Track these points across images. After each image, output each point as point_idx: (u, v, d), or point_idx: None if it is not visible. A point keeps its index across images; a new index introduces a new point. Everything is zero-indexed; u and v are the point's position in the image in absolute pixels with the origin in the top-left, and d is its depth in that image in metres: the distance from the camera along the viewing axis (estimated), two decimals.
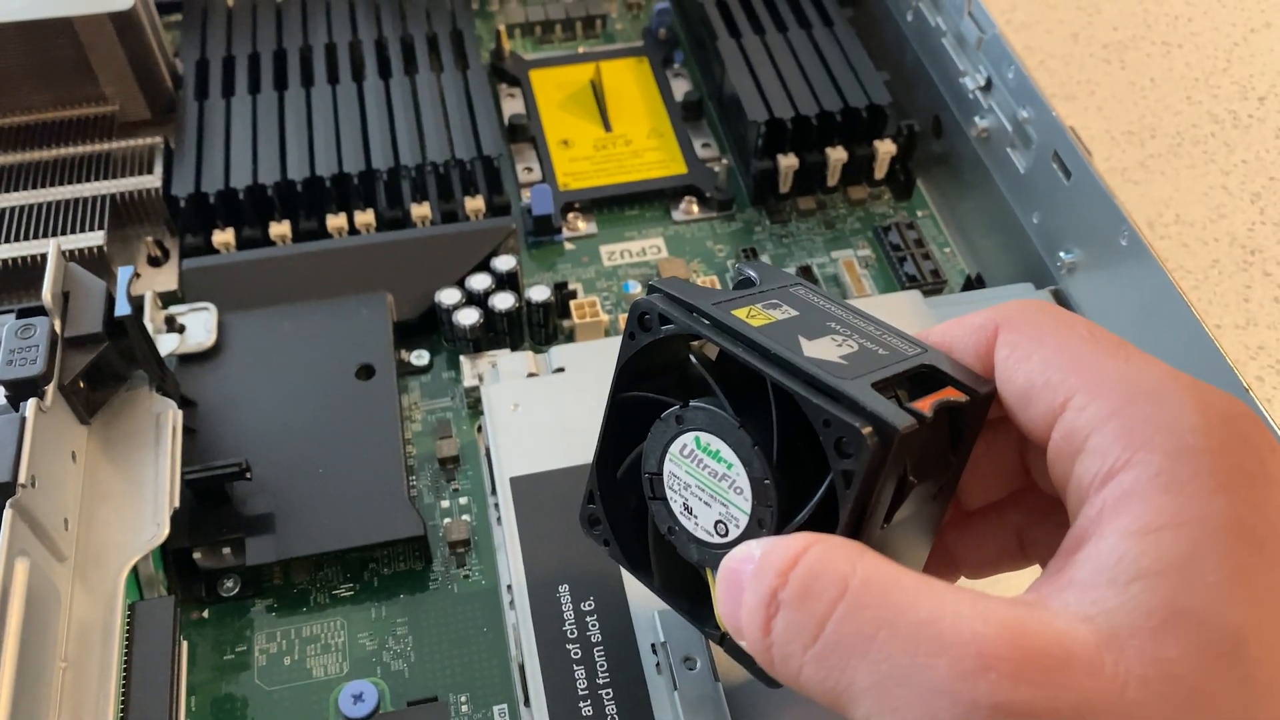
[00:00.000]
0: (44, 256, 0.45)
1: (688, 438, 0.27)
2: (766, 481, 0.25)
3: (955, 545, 0.29)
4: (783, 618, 0.22)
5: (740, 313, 0.26)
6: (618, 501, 0.31)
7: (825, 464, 0.24)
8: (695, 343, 0.28)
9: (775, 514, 0.25)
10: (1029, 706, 0.19)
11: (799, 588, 0.22)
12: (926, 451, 0.25)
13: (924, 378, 0.25)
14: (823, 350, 0.25)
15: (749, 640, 0.23)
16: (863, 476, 0.23)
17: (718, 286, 0.50)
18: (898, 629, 0.20)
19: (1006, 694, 0.19)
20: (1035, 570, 0.29)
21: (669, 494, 0.28)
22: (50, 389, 0.35)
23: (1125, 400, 0.22)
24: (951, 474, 0.26)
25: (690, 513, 0.28)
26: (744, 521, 0.26)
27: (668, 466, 0.28)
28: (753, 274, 0.29)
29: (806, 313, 0.27)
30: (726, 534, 0.27)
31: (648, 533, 0.30)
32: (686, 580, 0.30)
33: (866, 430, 0.23)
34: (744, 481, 0.26)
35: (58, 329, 0.36)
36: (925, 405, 0.24)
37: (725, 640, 0.28)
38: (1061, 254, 0.44)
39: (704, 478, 0.27)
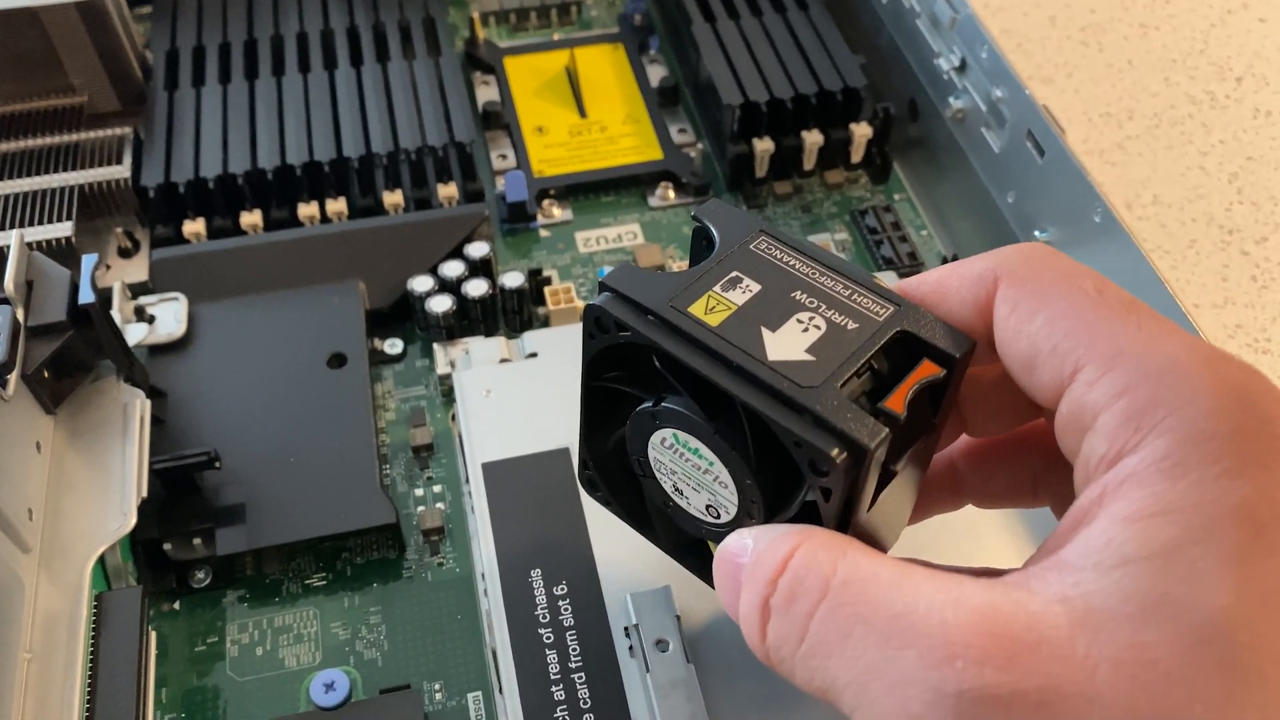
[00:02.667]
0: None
1: (666, 432, 0.26)
2: (749, 481, 0.25)
3: (965, 474, 0.29)
4: (774, 623, 0.22)
5: (698, 306, 0.25)
6: (615, 465, 0.30)
7: None
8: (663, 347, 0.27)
9: (762, 508, 0.25)
10: (995, 691, 0.19)
11: (786, 593, 0.22)
12: (906, 435, 0.24)
13: (900, 343, 0.24)
14: (787, 344, 0.24)
15: (751, 645, 0.23)
16: (840, 492, 0.23)
17: None
18: (873, 625, 0.20)
19: (972, 680, 0.19)
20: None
21: (659, 475, 0.27)
22: (13, 378, 0.34)
23: (1137, 377, 0.21)
24: (936, 430, 0.26)
25: (681, 494, 0.27)
26: (733, 510, 0.26)
27: (651, 453, 0.27)
28: (713, 230, 0.27)
29: (770, 285, 0.26)
30: (719, 517, 0.27)
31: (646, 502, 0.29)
32: (694, 541, 0.29)
33: (836, 452, 0.22)
34: (726, 478, 0.26)
35: (20, 318, 0.36)
36: (899, 399, 0.23)
37: None
38: (1036, 233, 0.44)
39: (688, 469, 0.26)
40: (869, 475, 0.23)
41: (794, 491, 0.25)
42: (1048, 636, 0.19)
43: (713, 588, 0.28)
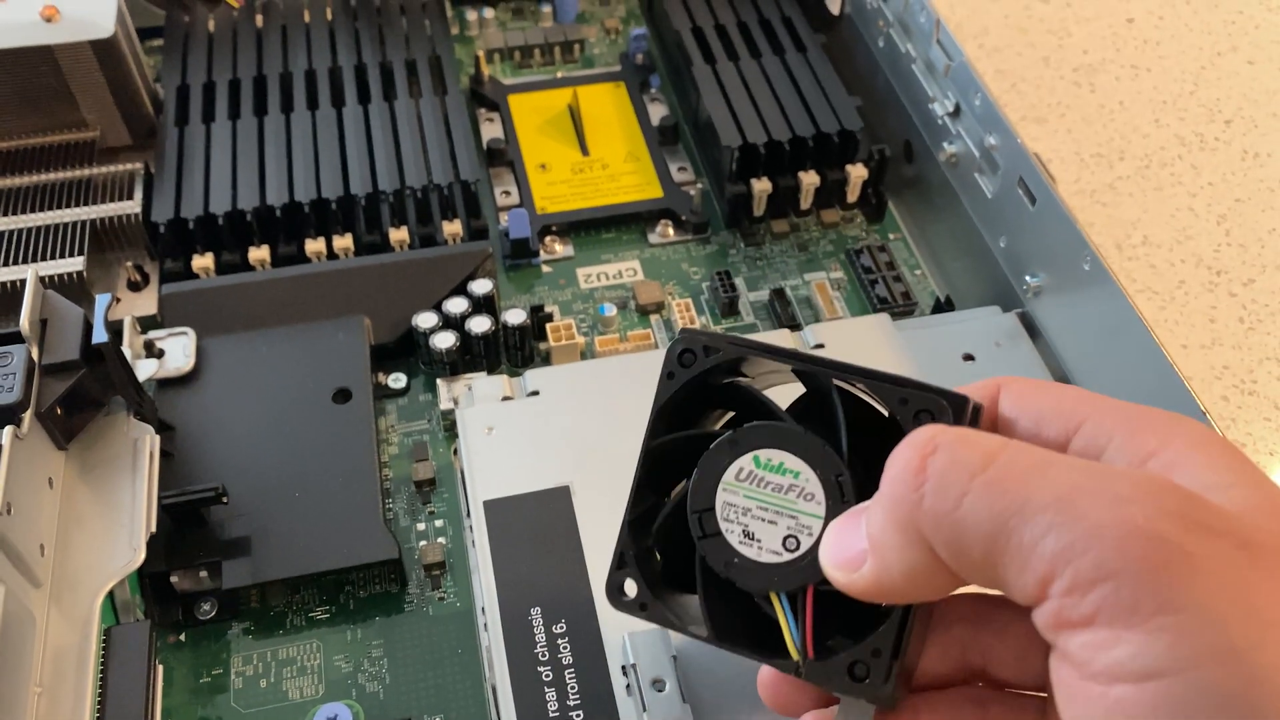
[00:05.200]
0: (23, 282, 0.45)
1: (745, 460, 0.27)
2: (841, 476, 0.26)
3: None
4: (943, 455, 0.22)
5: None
6: (646, 564, 0.29)
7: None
8: (737, 379, 0.28)
9: (854, 498, 0.26)
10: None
11: (956, 435, 0.22)
12: None
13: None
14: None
15: (893, 499, 0.22)
16: None
17: (692, 309, 0.50)
18: (1074, 459, 0.21)
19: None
20: None
21: (724, 526, 0.27)
22: (27, 416, 0.35)
23: (1141, 416, 0.24)
24: None
25: (752, 538, 0.27)
26: (817, 528, 0.26)
27: (722, 497, 0.27)
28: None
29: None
30: (798, 547, 0.26)
31: (696, 581, 0.28)
32: (744, 621, 0.28)
33: (943, 401, 0.24)
34: (815, 485, 0.26)
35: (35, 356, 0.36)
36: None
37: (803, 667, 0.26)
38: (1027, 277, 0.45)
39: (766, 496, 0.27)
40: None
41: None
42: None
43: (771, 664, 0.27)
